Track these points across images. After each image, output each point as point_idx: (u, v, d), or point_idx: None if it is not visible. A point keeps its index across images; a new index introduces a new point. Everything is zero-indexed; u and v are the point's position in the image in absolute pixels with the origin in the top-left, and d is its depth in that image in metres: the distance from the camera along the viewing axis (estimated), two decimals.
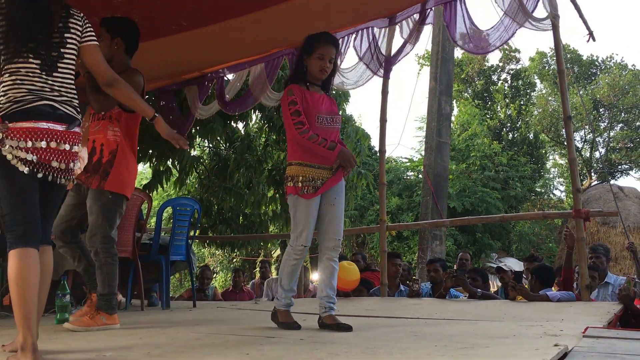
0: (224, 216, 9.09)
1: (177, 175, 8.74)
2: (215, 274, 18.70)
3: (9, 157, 2.34)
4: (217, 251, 17.10)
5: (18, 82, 2.42)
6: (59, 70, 2.51)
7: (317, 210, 3.30)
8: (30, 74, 2.43)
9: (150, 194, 8.13)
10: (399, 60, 5.71)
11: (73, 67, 2.59)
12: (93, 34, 2.69)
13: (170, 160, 8.50)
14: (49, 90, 2.46)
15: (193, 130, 7.95)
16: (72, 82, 2.58)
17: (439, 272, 5.92)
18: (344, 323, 3.19)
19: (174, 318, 4.30)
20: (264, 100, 6.50)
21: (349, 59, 5.95)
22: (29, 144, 2.35)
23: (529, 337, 2.68)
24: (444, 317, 3.82)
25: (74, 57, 2.59)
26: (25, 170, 2.36)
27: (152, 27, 5.19)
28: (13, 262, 2.31)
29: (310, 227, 3.27)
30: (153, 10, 4.96)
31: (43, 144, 2.38)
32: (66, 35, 2.55)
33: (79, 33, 2.62)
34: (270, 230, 9.54)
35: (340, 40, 5.87)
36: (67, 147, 2.47)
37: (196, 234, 7.28)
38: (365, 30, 5.68)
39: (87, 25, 2.67)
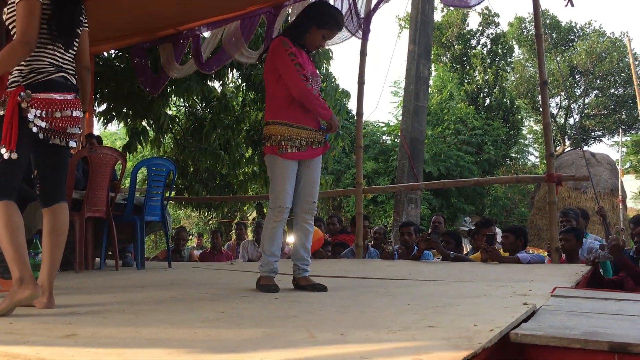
0: (200, 177, 9.04)
1: (154, 135, 8.63)
2: (191, 236, 18.69)
3: (31, 125, 2.56)
4: (193, 213, 17.06)
5: (42, 55, 2.64)
6: (74, 47, 2.79)
7: (295, 171, 3.26)
8: (53, 50, 2.67)
9: (129, 155, 8.04)
10: (373, 15, 5.65)
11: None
12: (87, 20, 2.94)
13: (146, 120, 8.38)
14: (63, 64, 2.71)
15: (169, 89, 7.83)
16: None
17: (412, 235, 6.01)
18: (319, 283, 3.21)
19: (149, 278, 4.30)
20: (238, 57, 6.39)
21: None
22: (48, 112, 2.59)
23: (499, 296, 2.74)
24: (417, 278, 3.88)
25: (79, 37, 2.85)
26: (41, 136, 2.58)
27: None
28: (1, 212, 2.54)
29: (289, 188, 3.22)
30: None
31: (57, 114, 2.61)
32: (81, 18, 2.81)
33: (84, 17, 2.87)
34: (248, 191, 9.53)
35: None
36: (77, 113, 2.73)
37: (171, 195, 7.24)
38: None
39: (85, 11, 2.92)
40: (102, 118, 8.17)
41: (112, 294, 3.09)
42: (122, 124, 8.61)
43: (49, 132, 2.62)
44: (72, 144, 2.75)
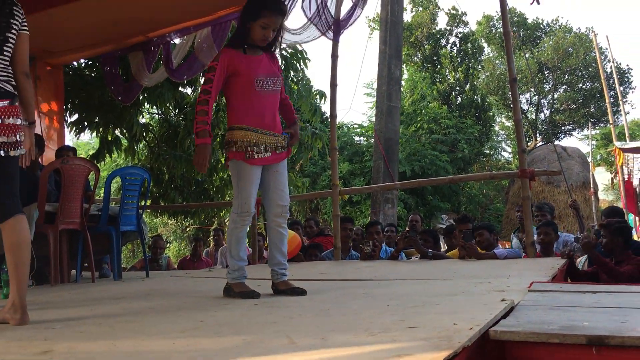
0: (175, 184, 8.96)
1: (127, 144, 8.54)
2: (168, 244, 18.51)
3: None
4: (169, 220, 16.90)
5: None
6: (4, 52, 2.66)
7: (258, 177, 3.24)
8: None
9: (98, 164, 7.92)
10: (350, 24, 5.68)
11: (11, 50, 2.71)
12: (27, 23, 2.80)
13: (119, 129, 8.28)
14: None
15: (141, 97, 7.76)
16: (9, 62, 2.71)
17: (380, 234, 6.06)
18: (298, 287, 3.20)
19: (126, 289, 4.24)
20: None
21: (297, 19, 5.91)
22: None
23: (477, 293, 2.76)
24: (396, 277, 3.90)
25: (13, 41, 2.72)
26: None
27: None
28: None
29: (253, 193, 3.21)
30: None
31: None
32: (11, 20, 2.69)
33: (20, 21, 2.74)
34: (225, 197, 9.48)
35: (288, 2, 5.77)
36: (12, 120, 2.60)
37: (147, 204, 7.16)
38: None
39: (24, 15, 2.79)
40: (73, 128, 8.05)
41: (89, 307, 3.04)
42: (94, 134, 8.50)
43: None
44: (7, 152, 2.60)
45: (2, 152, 2.58)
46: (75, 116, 8.07)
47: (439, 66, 21.94)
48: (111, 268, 5.62)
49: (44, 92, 7.00)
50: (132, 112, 7.97)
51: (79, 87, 7.84)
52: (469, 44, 21.82)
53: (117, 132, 8.36)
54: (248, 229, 3.36)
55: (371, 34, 21.97)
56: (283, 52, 8.59)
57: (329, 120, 6.37)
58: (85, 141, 21.39)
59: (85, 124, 8.11)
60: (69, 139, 9.53)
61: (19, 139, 2.65)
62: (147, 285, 4.41)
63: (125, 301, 3.32)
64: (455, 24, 22.22)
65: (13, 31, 2.69)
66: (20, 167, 4.89)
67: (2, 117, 2.57)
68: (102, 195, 7.68)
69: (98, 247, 5.28)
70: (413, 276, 3.95)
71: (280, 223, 3.31)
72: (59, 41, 6.41)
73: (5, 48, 2.66)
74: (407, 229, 7.09)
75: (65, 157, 5.06)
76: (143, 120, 9.07)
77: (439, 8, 22.33)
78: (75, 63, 7.97)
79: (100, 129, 8.13)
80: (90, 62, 8.03)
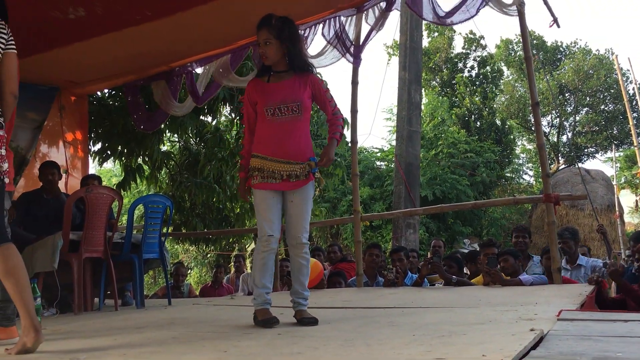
0: (196, 211, 9.01)
1: (149, 171, 8.62)
2: (189, 270, 18.54)
3: None
4: (190, 247, 16.96)
5: None
6: None
7: (275, 201, 3.25)
8: None
9: (124, 192, 8.02)
10: (366, 45, 5.73)
11: None
12: (14, 42, 2.73)
13: (141, 157, 8.38)
14: None
15: (162, 125, 7.86)
16: None
17: (404, 261, 6.00)
18: (309, 317, 3.17)
19: (149, 317, 4.24)
20: (226, 83, 6.45)
21: (317, 45, 5.99)
22: None
23: (504, 322, 2.71)
24: (420, 305, 3.84)
25: None
26: None
27: (116, 19, 5.10)
28: None
29: (268, 216, 3.21)
30: (116, 0, 4.87)
31: None
32: None
33: (3, 41, 2.66)
34: (246, 224, 9.50)
35: (308, 29, 5.85)
36: None
37: (169, 231, 7.20)
38: (332, 19, 5.67)
39: (10, 33, 2.72)
40: (97, 157, 8.16)
41: (113, 337, 3.04)
42: (117, 162, 8.61)
43: None
44: None
45: None
46: (99, 145, 8.19)
47: (457, 90, 21.94)
48: (134, 296, 5.64)
49: (69, 121, 7.13)
50: (154, 140, 8.06)
51: (102, 116, 7.97)
52: (488, 68, 21.81)
53: (139, 160, 8.46)
54: (272, 255, 3.30)
55: (389, 59, 22.11)
56: None
57: (350, 146, 6.38)
58: (107, 168, 21.70)
59: (109, 152, 8.22)
60: (92, 167, 9.66)
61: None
62: (170, 314, 4.41)
63: (148, 330, 3.31)
64: (473, 48, 22.26)
65: (2, 50, 2.62)
66: (43, 196, 4.94)
67: None
68: (125, 222, 7.76)
69: (121, 275, 5.30)
70: (438, 304, 3.90)
71: (298, 253, 3.29)
72: (84, 72, 6.54)
73: None
74: (429, 254, 7.04)
75: (89, 186, 5.13)
76: (164, 148, 9.17)
77: (454, 32, 22.41)
78: (99, 93, 8.11)
79: (124, 158, 8.23)
80: (113, 92, 8.17)
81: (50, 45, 5.42)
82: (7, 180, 2.64)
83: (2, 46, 2.65)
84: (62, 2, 4.77)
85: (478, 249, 6.97)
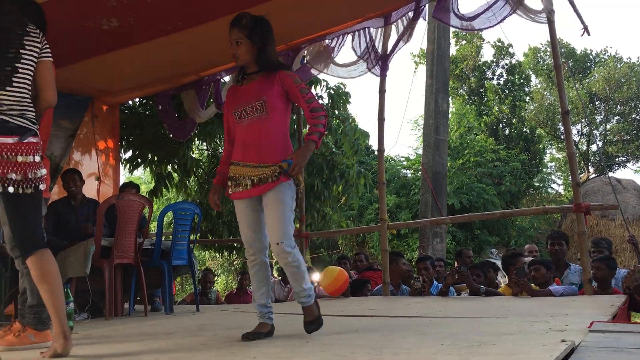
0: (223, 219, 9.09)
1: (178, 179, 8.74)
2: (216, 277, 18.67)
3: None
4: (217, 254, 17.09)
5: None
6: (14, 84, 2.60)
7: (251, 209, 3.06)
8: None
9: (155, 199, 8.14)
10: (393, 55, 5.75)
11: (29, 81, 2.67)
12: (49, 51, 2.78)
13: (171, 164, 8.51)
14: None
15: (192, 133, 7.97)
16: (28, 94, 2.66)
17: (430, 270, 5.97)
18: (309, 322, 3.04)
19: (178, 323, 4.29)
20: None
21: (346, 57, 6.05)
22: None
23: (535, 333, 2.68)
24: (447, 314, 3.82)
25: (29, 71, 2.67)
26: None
27: (147, 29, 5.21)
28: None
29: (244, 227, 3.08)
30: (148, 11, 4.97)
31: None
32: (22, 51, 2.64)
33: (37, 49, 2.71)
34: None
35: (335, 39, 5.89)
36: (21, 158, 2.54)
37: (197, 238, 7.28)
38: (362, 30, 5.71)
39: (45, 42, 2.77)
40: (128, 165, 8.31)
41: (143, 342, 3.09)
42: (147, 170, 8.76)
43: None
44: (18, 190, 2.56)
45: (11, 189, 2.54)
46: (129, 153, 8.34)
47: (485, 98, 21.77)
48: (163, 302, 5.71)
49: (101, 130, 7.29)
50: (185, 148, 8.18)
51: (133, 125, 8.13)
52: (516, 76, 21.60)
53: (169, 168, 8.59)
54: (258, 268, 3.10)
55: (416, 68, 22.06)
56: (330, 90, 8.73)
57: (376, 154, 6.39)
58: (137, 176, 22.02)
59: (139, 160, 8.36)
60: (123, 174, 9.83)
61: (32, 177, 2.60)
62: (198, 320, 4.45)
63: (178, 336, 3.36)
64: (502, 56, 22.08)
65: (25, 61, 2.65)
66: (71, 203, 5.02)
67: (10, 154, 2.51)
68: (154, 229, 7.88)
69: (150, 281, 5.38)
70: (465, 313, 3.87)
71: (282, 261, 3.00)
72: (116, 82, 6.68)
73: (14, 79, 2.60)
74: (456, 263, 6.99)
75: (121, 193, 5.23)
76: (193, 156, 9.30)
77: (482, 40, 22.26)
78: (130, 102, 8.27)
79: (154, 165, 8.37)
80: (144, 101, 8.32)
81: (84, 55, 5.56)
82: (43, 187, 2.70)
83: (37, 54, 2.71)
84: (96, 14, 4.90)
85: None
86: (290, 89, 3.05)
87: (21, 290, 3.29)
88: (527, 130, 20.53)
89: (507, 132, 20.67)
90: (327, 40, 6.09)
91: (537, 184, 20.96)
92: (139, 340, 3.18)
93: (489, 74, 22.03)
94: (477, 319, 3.52)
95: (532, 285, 4.86)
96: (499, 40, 21.81)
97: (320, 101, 8.77)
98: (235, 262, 18.54)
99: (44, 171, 2.67)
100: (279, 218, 2.95)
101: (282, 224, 2.95)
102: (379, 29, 5.70)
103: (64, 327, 2.65)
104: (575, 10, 5.19)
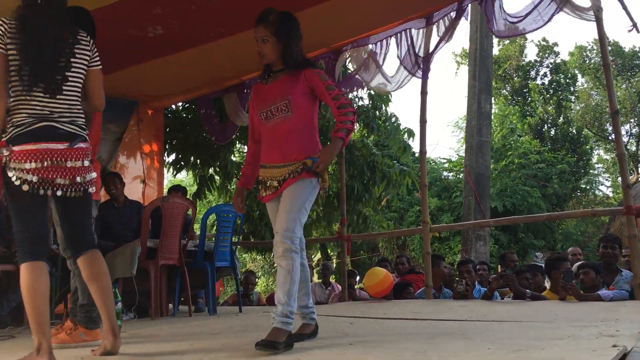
0: (265, 221, 9.16)
1: (220, 181, 8.86)
2: (257, 279, 18.84)
3: (14, 178, 2.51)
4: (258, 256, 17.23)
5: (20, 107, 2.57)
6: (64, 92, 2.66)
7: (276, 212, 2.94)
8: (30, 99, 2.58)
9: (199, 202, 8.26)
10: (434, 56, 5.70)
11: (78, 88, 2.74)
12: (99, 58, 2.84)
13: (213, 167, 8.63)
14: (48, 112, 2.60)
15: (234, 136, 8.08)
16: (77, 101, 2.72)
17: (472, 273, 5.88)
18: (261, 342, 2.61)
19: (222, 323, 4.35)
20: None
21: (391, 63, 6.02)
22: (31, 164, 2.50)
23: (584, 338, 2.61)
24: (493, 318, 3.76)
25: (79, 79, 2.73)
26: (25, 188, 2.51)
27: (191, 36, 5.30)
28: (23, 275, 2.53)
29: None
30: (192, 19, 5.06)
31: (44, 163, 2.53)
32: (72, 60, 2.70)
33: (87, 57, 2.77)
34: (312, 234, 9.57)
35: (380, 44, 5.87)
36: (70, 163, 2.60)
37: (239, 240, 7.35)
38: (403, 32, 5.67)
39: (95, 50, 2.83)
40: (171, 168, 8.47)
41: (189, 342, 3.14)
42: (190, 172, 8.91)
43: (35, 184, 2.52)
44: (66, 193, 2.61)
45: (59, 192, 2.60)
46: (173, 156, 8.50)
47: (529, 99, 21.34)
48: (206, 302, 5.79)
49: (146, 134, 7.44)
50: (226, 151, 8.29)
51: (176, 129, 8.28)
52: (561, 75, 21.10)
53: (211, 170, 8.71)
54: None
55: (458, 68, 21.81)
56: (371, 91, 8.69)
57: (418, 156, 6.34)
58: (179, 179, 22.41)
59: (182, 163, 8.51)
60: (166, 177, 10.03)
61: (81, 181, 2.65)
62: (242, 321, 4.50)
63: (222, 337, 3.40)
64: (546, 55, 21.62)
65: (75, 70, 2.70)
66: (114, 205, 5.14)
67: (60, 159, 2.57)
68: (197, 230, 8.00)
69: (194, 282, 5.46)
70: (511, 318, 3.79)
71: (276, 251, 2.80)
72: (160, 87, 6.82)
73: (65, 88, 2.66)
74: (499, 268, 6.87)
75: (165, 196, 5.33)
76: (234, 159, 9.40)
77: (526, 39, 21.84)
78: (173, 106, 8.42)
79: (197, 168, 8.50)
80: (187, 105, 8.46)
81: (131, 62, 5.69)
82: (92, 190, 2.77)
83: (87, 62, 2.77)
84: (143, 22, 5.01)
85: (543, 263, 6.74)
86: (317, 87, 2.95)
87: (72, 290, 3.40)
88: (574, 131, 20.03)
89: (552, 133, 20.21)
90: (370, 46, 6.05)
91: (584, 186, 20.43)
92: (184, 340, 3.24)
93: (532, 73, 21.60)
94: (524, 323, 3.46)
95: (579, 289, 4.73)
96: (544, 39, 21.39)
97: (360, 102, 8.77)
98: (275, 265, 18.66)
99: (93, 175, 2.74)
100: (289, 208, 2.81)
101: (288, 214, 2.80)
102: (420, 30, 5.65)
103: (113, 325, 2.73)
104: (624, 7, 5.04)
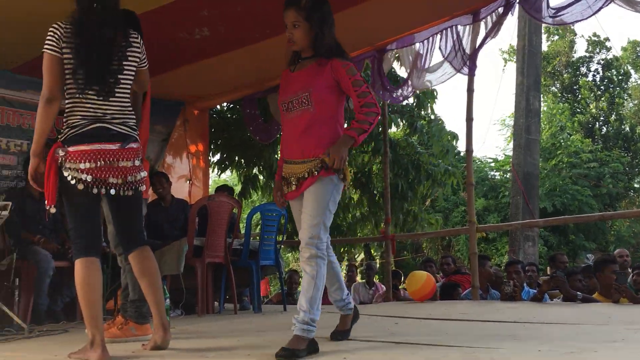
0: None
1: (264, 181, 8.93)
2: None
3: (69, 177, 2.59)
4: None
5: (74, 109, 2.66)
6: (116, 94, 2.73)
7: (300, 209, 2.80)
8: (84, 101, 2.66)
9: (244, 201, 8.36)
10: (479, 52, 5.61)
11: (129, 89, 2.81)
12: (146, 59, 2.93)
13: (257, 166, 8.71)
14: (101, 114, 2.68)
15: (278, 136, 8.13)
16: (129, 103, 2.80)
17: (521, 274, 5.74)
18: (281, 351, 2.50)
19: (268, 321, 4.38)
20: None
21: (435, 58, 5.92)
22: (86, 164, 2.59)
23: (639, 341, 2.52)
24: (543, 320, 3.66)
25: (130, 80, 2.81)
26: (80, 187, 2.59)
27: (237, 37, 5.35)
28: (78, 271, 2.61)
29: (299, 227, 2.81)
30: (238, 20, 5.10)
31: (98, 163, 2.61)
32: (125, 62, 2.77)
33: (137, 59, 2.84)
34: (357, 233, 9.56)
35: (426, 42, 5.81)
36: (122, 163, 2.68)
37: (283, 239, 7.39)
38: (449, 29, 5.59)
39: (144, 51, 2.90)
40: (216, 167, 8.59)
41: (236, 338, 3.17)
42: (234, 172, 9.01)
43: (89, 183, 2.59)
44: (118, 192, 2.68)
45: (112, 191, 2.66)
46: (218, 156, 8.62)
47: (579, 96, 20.74)
48: (251, 301, 5.84)
49: (192, 134, 7.56)
50: (270, 150, 8.35)
51: (221, 129, 8.39)
52: (614, 71, 20.43)
53: (255, 170, 8.79)
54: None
55: (505, 65, 21.39)
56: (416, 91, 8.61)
57: (463, 154, 6.24)
58: (223, 179, 22.71)
59: (227, 163, 8.62)
60: (212, 177, 10.17)
61: (132, 180, 2.72)
62: (287, 319, 4.48)
63: (269, 334, 3.43)
64: (597, 51, 20.97)
65: (127, 72, 2.77)
66: (161, 204, 5.22)
67: (112, 159, 2.64)
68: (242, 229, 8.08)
69: (239, 280, 5.52)
70: (562, 320, 3.69)
71: (301, 257, 2.69)
72: (206, 87, 6.91)
73: (117, 90, 2.73)
74: (548, 269, 6.70)
75: (211, 195, 5.40)
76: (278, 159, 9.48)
77: (576, 35, 21.23)
78: (218, 106, 8.54)
79: (242, 168, 8.59)
80: (231, 105, 8.57)
81: (177, 63, 5.79)
82: (143, 189, 2.85)
83: (137, 64, 2.85)
84: (190, 24, 5.09)
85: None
86: (342, 80, 2.75)
87: (123, 286, 3.48)
88: (627, 129, 19.36)
89: (603, 131, 19.60)
90: (417, 45, 5.99)
91: (638, 186, 19.74)
92: (231, 336, 3.27)
93: (583, 70, 20.98)
94: (576, 325, 3.36)
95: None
96: (595, 34, 20.75)
97: (405, 102, 8.68)
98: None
99: (144, 174, 2.81)
100: (311, 212, 2.68)
101: (311, 218, 2.66)
102: (467, 27, 5.56)
103: (163, 320, 2.78)
104: None
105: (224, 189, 6.43)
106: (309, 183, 2.70)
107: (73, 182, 2.59)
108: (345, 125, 2.87)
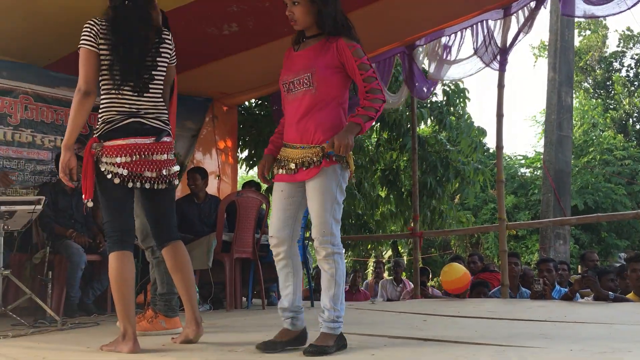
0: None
1: None
2: None
3: (105, 172, 2.65)
4: None
5: (110, 105, 2.72)
6: (150, 90, 2.78)
7: (285, 195, 2.67)
8: (120, 97, 2.71)
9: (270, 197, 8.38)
10: (513, 48, 5.52)
11: (162, 85, 2.86)
12: (176, 55, 2.98)
13: None
14: (136, 109, 2.73)
15: None
16: (161, 98, 2.85)
17: (552, 272, 5.65)
18: (311, 348, 2.50)
19: None
20: None
21: (465, 52, 5.86)
22: (121, 159, 2.64)
23: None
24: (574, 319, 3.60)
25: (163, 76, 2.86)
26: (116, 181, 2.64)
27: (265, 32, 5.36)
28: (112, 264, 2.66)
29: (274, 214, 2.69)
30: (266, 15, 5.11)
31: (133, 157, 2.66)
32: (158, 59, 2.82)
33: (168, 55, 2.89)
34: (386, 230, 9.53)
35: (454, 36, 5.75)
36: (156, 156, 2.73)
37: (310, 235, 7.40)
38: (480, 23, 5.52)
39: (174, 47, 2.95)
40: (244, 164, 8.64)
41: (265, 333, 3.17)
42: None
43: (125, 177, 2.64)
44: (153, 185, 2.73)
45: (147, 185, 2.72)
46: (246, 152, 8.66)
47: (612, 92, 20.30)
48: (278, 296, 5.86)
49: (221, 131, 7.61)
50: None
51: (249, 125, 8.43)
52: None
53: None
54: (285, 263, 2.73)
55: (535, 61, 21.06)
56: (445, 87, 8.54)
57: (493, 151, 6.16)
58: (251, 175, 22.82)
59: (255, 159, 8.67)
60: (240, 173, 10.24)
61: (166, 174, 2.77)
62: (313, 315, 4.49)
63: None
64: (630, 46, 20.49)
65: (160, 68, 2.82)
66: (194, 200, 5.24)
67: (146, 153, 2.70)
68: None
69: (267, 275, 5.54)
70: (594, 319, 3.62)
71: (318, 258, 2.62)
72: (234, 84, 6.95)
73: (151, 86, 2.78)
74: (579, 268, 6.59)
75: (240, 191, 5.44)
76: None
77: (608, 29, 20.77)
78: (246, 103, 8.58)
79: None
80: (259, 102, 8.60)
81: (206, 59, 5.83)
82: (177, 182, 2.90)
83: (168, 60, 2.90)
84: (218, 20, 5.12)
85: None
86: (348, 62, 2.57)
87: (152, 280, 3.53)
88: None
89: (637, 127, 19.14)
90: (444, 38, 5.93)
91: None
92: (260, 331, 3.28)
93: (616, 65, 20.52)
94: (608, 325, 3.30)
95: None
96: (628, 29, 20.27)
97: (434, 98, 8.62)
98: (345, 261, 18.67)
99: (177, 167, 2.87)
100: (320, 207, 2.55)
101: (322, 215, 2.56)
102: (498, 21, 5.48)
103: (195, 313, 2.82)
104: None
105: (252, 184, 6.46)
106: (310, 175, 2.55)
107: (109, 176, 2.64)
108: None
